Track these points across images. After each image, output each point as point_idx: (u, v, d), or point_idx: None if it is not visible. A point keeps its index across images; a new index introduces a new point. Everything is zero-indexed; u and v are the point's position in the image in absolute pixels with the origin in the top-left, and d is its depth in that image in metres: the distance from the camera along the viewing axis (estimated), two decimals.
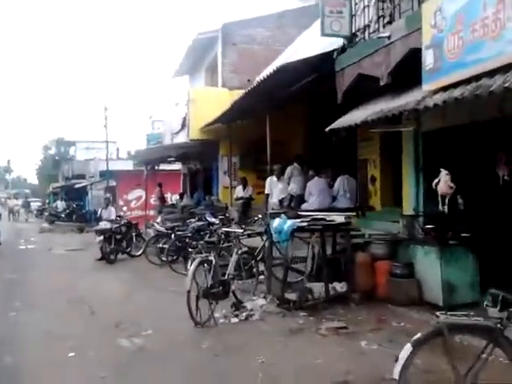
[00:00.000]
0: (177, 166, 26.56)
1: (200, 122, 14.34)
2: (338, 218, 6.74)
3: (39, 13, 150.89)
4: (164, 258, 11.42)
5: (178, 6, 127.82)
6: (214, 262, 6.23)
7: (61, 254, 15.08)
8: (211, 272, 6.17)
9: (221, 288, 6.26)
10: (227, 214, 13.06)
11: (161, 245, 11.53)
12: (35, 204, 42.82)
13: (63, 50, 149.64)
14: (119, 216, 14.07)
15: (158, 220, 16.08)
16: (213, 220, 11.69)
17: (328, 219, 6.63)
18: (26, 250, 16.70)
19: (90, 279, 10.10)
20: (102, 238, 12.14)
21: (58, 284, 9.57)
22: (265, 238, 7.87)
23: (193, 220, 11.74)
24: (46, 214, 32.74)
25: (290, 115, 12.58)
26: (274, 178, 10.47)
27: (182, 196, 19.75)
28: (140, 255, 13.23)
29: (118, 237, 12.76)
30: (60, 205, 32.91)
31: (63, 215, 29.36)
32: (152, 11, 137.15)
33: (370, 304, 6.53)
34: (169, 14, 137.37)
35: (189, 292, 5.79)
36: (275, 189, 10.27)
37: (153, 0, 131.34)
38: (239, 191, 13.22)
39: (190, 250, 10.59)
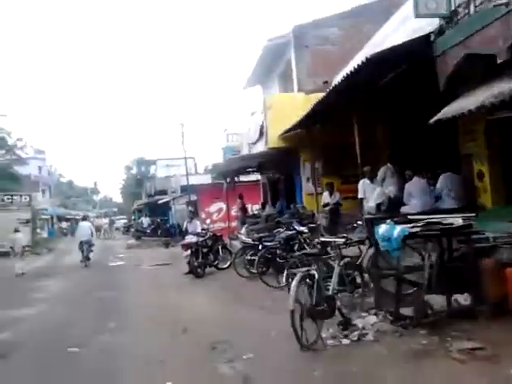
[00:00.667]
0: (255, 176, 26.40)
1: (278, 130, 13.84)
2: (456, 221, 5.83)
3: (109, 31, 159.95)
4: (253, 271, 11.00)
5: (247, 14, 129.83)
6: (317, 277, 5.59)
7: (149, 270, 15.17)
8: (315, 288, 5.52)
9: (326, 305, 5.60)
10: (317, 222, 12.45)
11: (249, 257, 11.09)
12: (121, 221, 44.68)
13: (140, 72, 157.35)
14: (204, 229, 13.87)
15: (242, 231, 15.75)
16: (301, 229, 11.09)
17: (444, 222, 5.75)
18: (115, 267, 17.05)
19: (179, 295, 9.86)
20: (188, 252, 11.95)
21: (149, 301, 9.42)
22: (366, 246, 7.14)
23: (281, 230, 11.17)
24: (133, 230, 33.93)
25: (373, 114, 11.74)
26: (367, 181, 9.66)
27: (263, 206, 19.38)
28: (227, 268, 12.92)
29: (205, 250, 12.53)
30: (145, 221, 33.93)
31: (148, 231, 30.16)
32: (220, 22, 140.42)
33: (503, 318, 5.54)
34: (238, 23, 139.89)
35: (293, 312, 5.17)
36: (370, 192, 9.45)
37: (220, 12, 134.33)
38: (326, 197, 12.51)
39: (280, 261, 10.09)
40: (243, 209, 19.33)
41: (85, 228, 19.08)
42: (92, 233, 19.02)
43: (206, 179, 37.93)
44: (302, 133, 13.32)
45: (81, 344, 6.67)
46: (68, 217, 64.14)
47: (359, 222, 7.45)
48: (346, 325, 5.81)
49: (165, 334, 6.89)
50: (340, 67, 14.11)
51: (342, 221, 11.34)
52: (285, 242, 10.17)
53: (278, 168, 16.69)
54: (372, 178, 9.71)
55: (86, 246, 17.81)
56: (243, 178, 22.28)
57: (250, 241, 11.52)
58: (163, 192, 37.56)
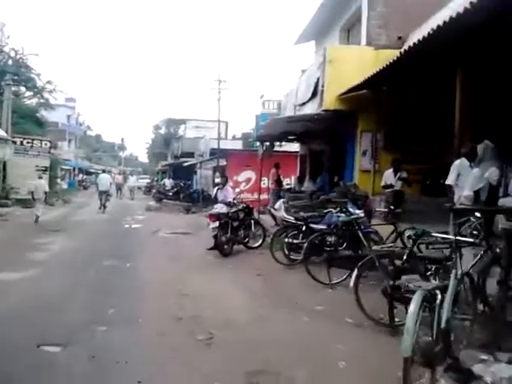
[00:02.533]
0: (290, 147, 24.15)
1: (337, 88, 11.55)
2: None
3: None
4: (294, 257, 8.94)
5: None
6: (438, 300, 3.44)
7: (167, 238, 13.24)
8: (436, 316, 3.38)
9: (441, 343, 3.47)
10: (371, 206, 10.30)
11: (290, 239, 8.98)
12: (143, 181, 43.03)
13: (175, 26, 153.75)
14: (236, 198, 11.76)
15: (277, 206, 13.67)
16: (357, 212, 8.90)
17: None
18: (131, 230, 15.20)
19: (202, 279, 7.80)
20: (217, 224, 9.88)
21: (162, 282, 7.43)
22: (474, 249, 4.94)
23: (333, 211, 9.00)
24: (154, 191, 32.12)
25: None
26: (466, 162, 7.32)
27: (300, 180, 17.20)
28: (258, 247, 10.93)
29: (235, 224, 10.46)
30: (168, 183, 32.09)
31: (170, 193, 28.27)
32: None
33: None
34: None
35: (408, 360, 3.05)
36: (467, 176, 7.12)
37: None
38: (388, 177, 10.26)
39: (328, 249, 8.00)
40: (278, 180, 17.18)
41: (105, 179, 22.69)
42: (111, 184, 22.41)
43: (238, 146, 35.85)
44: (365, 95, 11.08)
45: (62, 340, 4.73)
46: (91, 170, 63.20)
47: (478, 215, 5.16)
48: (464, 375, 3.66)
49: (183, 340, 4.88)
50: (419, 22, 11.70)
51: (405, 208, 9.11)
52: (341, 227, 7.97)
53: (327, 136, 14.35)
54: (471, 160, 7.36)
55: (104, 196, 21.42)
56: (278, 148, 20.12)
57: (292, 220, 9.38)
58: (190, 154, 35.59)
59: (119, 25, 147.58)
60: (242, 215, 10.79)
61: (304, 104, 14.22)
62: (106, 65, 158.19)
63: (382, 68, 9.12)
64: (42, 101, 34.67)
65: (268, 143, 16.70)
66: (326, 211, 9.29)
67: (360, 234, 7.81)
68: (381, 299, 5.84)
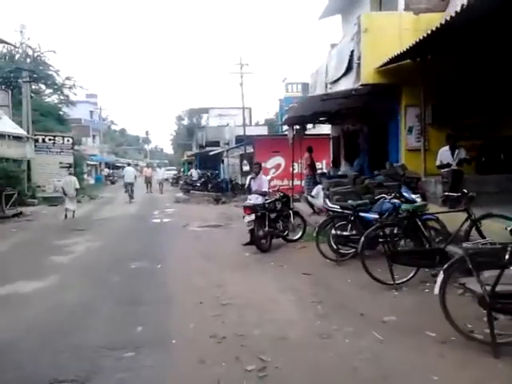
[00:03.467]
0: (319, 130, 22.95)
1: (375, 60, 10.38)
2: None
3: None
4: (343, 251, 7.90)
5: None
6: None
7: (199, 232, 12.33)
8: None
9: None
10: (424, 189, 9.17)
11: (338, 231, 7.91)
12: (170, 173, 42.36)
13: (193, 12, 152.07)
14: (272, 187, 10.74)
15: (314, 193, 12.64)
16: (412, 197, 7.79)
17: None
18: (160, 225, 14.36)
19: (242, 282, 6.82)
20: (253, 217, 8.87)
21: (199, 290, 6.45)
22: None
23: (386, 196, 7.89)
24: (181, 182, 31.39)
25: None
26: None
27: (335, 163, 16.03)
28: (298, 239, 9.92)
29: (273, 215, 9.44)
30: (195, 173, 31.32)
31: (198, 184, 27.47)
32: None
33: None
34: None
35: None
36: None
37: None
38: (445, 155, 9.07)
39: (383, 240, 6.92)
40: (312, 165, 16.04)
41: (130, 172, 24.76)
42: (135, 176, 24.64)
43: (262, 131, 34.75)
44: (407, 65, 9.87)
45: (81, 375, 3.83)
46: (118, 164, 63.14)
47: None
48: None
49: (223, 378, 3.88)
50: None
51: (466, 189, 7.93)
52: (400, 216, 6.83)
53: (364, 114, 13.13)
54: None
55: (129, 187, 23.30)
56: (309, 132, 18.97)
57: (338, 208, 8.29)
58: (215, 143, 34.73)
59: (137, 15, 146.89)
60: (279, 206, 9.76)
61: (337, 81, 13.00)
62: (126, 58, 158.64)
63: (427, 34, 7.91)
64: (62, 97, 34.19)
65: (298, 126, 15.56)
66: (377, 197, 8.17)
67: (419, 223, 6.69)
68: (465, 304, 4.79)
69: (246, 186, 10.48)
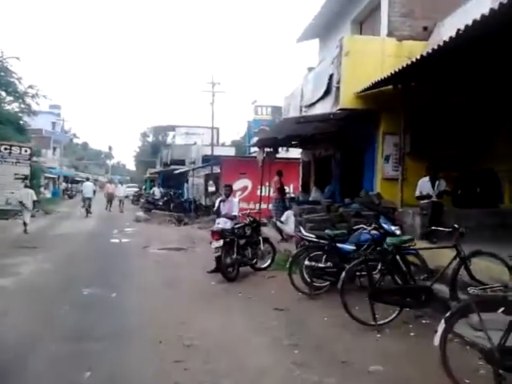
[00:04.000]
0: (288, 154, 22.62)
1: (356, 85, 10.08)
2: None
3: None
4: (317, 284, 7.34)
5: None
6: None
7: (159, 256, 11.50)
8: None
9: None
10: (401, 220, 8.79)
11: (312, 262, 7.33)
12: (131, 190, 41.01)
13: (164, 26, 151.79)
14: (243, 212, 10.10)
15: (284, 218, 12.11)
16: (392, 229, 7.35)
17: None
18: (118, 246, 13.42)
19: (208, 318, 6.06)
20: (221, 243, 8.18)
21: (159, 327, 5.66)
22: None
23: (365, 227, 7.40)
24: (143, 200, 30.28)
25: None
26: None
27: (304, 189, 15.61)
28: (267, 268, 9.29)
29: (242, 242, 8.78)
30: (157, 192, 30.29)
31: (160, 203, 26.47)
32: None
33: None
34: None
35: None
36: None
37: None
38: (425, 186, 8.69)
39: (360, 274, 6.45)
40: (281, 189, 15.54)
41: (88, 186, 24.74)
42: (94, 191, 24.98)
43: (229, 152, 34.23)
44: (388, 91, 9.58)
45: None
46: (77, 179, 61.02)
47: None
48: None
49: None
50: (447, 10, 10.36)
51: (445, 222, 7.57)
52: (390, 251, 6.28)
53: (338, 139, 12.79)
54: None
55: (87, 202, 23.37)
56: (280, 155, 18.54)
57: (313, 237, 7.73)
58: (180, 162, 33.89)
59: (106, 28, 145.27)
60: (249, 231, 9.13)
61: (313, 104, 12.64)
62: (93, 70, 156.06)
63: (411, 62, 7.66)
64: (23, 106, 32.54)
65: (269, 149, 15.11)
66: (356, 227, 7.68)
67: (398, 258, 6.19)
68: (457, 352, 4.27)
69: (215, 208, 9.78)
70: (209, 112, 25.28)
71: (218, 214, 9.26)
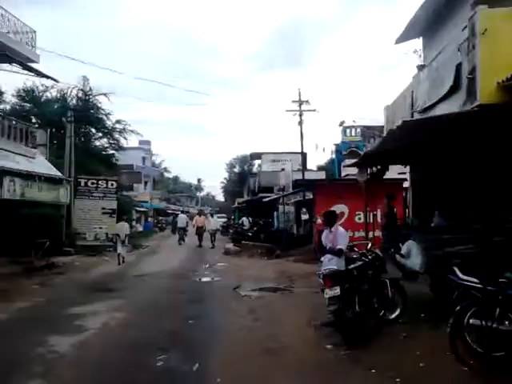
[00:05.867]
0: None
1: (498, 72, 7.51)
2: None
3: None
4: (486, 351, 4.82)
5: None
6: None
7: (253, 301, 9.49)
8: None
9: None
10: None
11: (477, 320, 4.85)
12: (221, 220, 39.86)
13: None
14: (353, 245, 7.77)
15: (404, 250, 9.60)
16: None
17: None
18: (205, 287, 11.61)
19: None
20: (338, 291, 5.94)
21: None
22: None
23: None
24: (231, 231, 28.80)
25: None
26: None
27: (424, 214, 12.86)
28: (396, 319, 6.88)
29: (365, 287, 6.46)
30: (246, 221, 28.68)
31: (250, 233, 24.74)
32: None
33: None
34: None
35: None
36: None
37: None
38: None
39: None
40: (391, 216, 13.01)
41: (182, 218, 28.96)
42: (187, 222, 28.51)
43: (320, 176, 31.99)
44: None
45: None
46: (168, 211, 61.78)
47: None
48: None
49: None
50: None
51: None
52: None
53: (478, 146, 10.06)
54: None
55: (181, 231, 26.96)
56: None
57: (476, 283, 5.24)
58: (268, 189, 32.17)
59: (187, 65, 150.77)
60: (370, 272, 6.79)
61: (431, 107, 10.10)
62: (180, 107, 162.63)
63: None
64: (111, 141, 32.88)
65: (377, 167, 12.66)
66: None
67: None
68: None
69: (318, 240, 7.59)
70: (294, 138, 23.35)
71: (322, 249, 6.98)
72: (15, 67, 15.47)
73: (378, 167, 12.42)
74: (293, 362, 5.42)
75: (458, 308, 5.00)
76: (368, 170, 12.86)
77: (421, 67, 11.75)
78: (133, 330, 7.11)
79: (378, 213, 14.36)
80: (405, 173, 16.56)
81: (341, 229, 7.38)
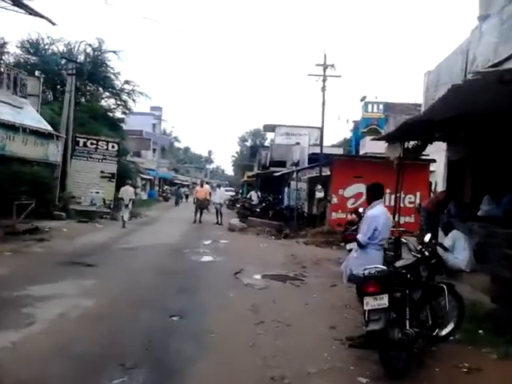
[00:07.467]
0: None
1: None
2: None
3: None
4: None
5: None
6: None
7: (258, 293, 7.66)
8: None
9: None
10: None
11: None
12: (227, 194, 38.06)
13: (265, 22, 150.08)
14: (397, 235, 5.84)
15: (447, 243, 7.75)
16: None
17: None
18: (203, 269, 9.81)
19: None
20: (385, 301, 4.07)
21: None
22: None
23: None
24: (238, 205, 26.91)
25: None
26: None
27: (457, 199, 10.92)
28: (449, 336, 5.04)
29: (417, 295, 4.58)
30: (254, 196, 26.83)
31: (258, 209, 22.89)
32: None
33: None
34: None
35: None
36: None
37: None
38: None
39: None
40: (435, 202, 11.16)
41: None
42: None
43: (338, 152, 29.93)
44: None
45: None
46: (175, 181, 60.03)
47: None
48: None
49: None
50: None
51: None
52: None
53: None
54: None
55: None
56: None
57: None
58: (281, 164, 30.15)
59: (203, 30, 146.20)
60: (424, 273, 4.88)
61: (499, 64, 8.02)
62: (194, 74, 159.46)
63: None
64: (119, 103, 30.90)
65: (415, 142, 10.58)
66: None
67: None
68: None
69: (351, 225, 5.67)
70: (309, 113, 21.22)
71: (347, 235, 5.07)
72: (4, 2, 13.32)
73: (417, 142, 10.36)
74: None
75: None
76: (402, 144, 10.81)
77: (482, 18, 9.58)
78: (92, 331, 5.27)
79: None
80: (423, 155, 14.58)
81: (373, 211, 5.41)
